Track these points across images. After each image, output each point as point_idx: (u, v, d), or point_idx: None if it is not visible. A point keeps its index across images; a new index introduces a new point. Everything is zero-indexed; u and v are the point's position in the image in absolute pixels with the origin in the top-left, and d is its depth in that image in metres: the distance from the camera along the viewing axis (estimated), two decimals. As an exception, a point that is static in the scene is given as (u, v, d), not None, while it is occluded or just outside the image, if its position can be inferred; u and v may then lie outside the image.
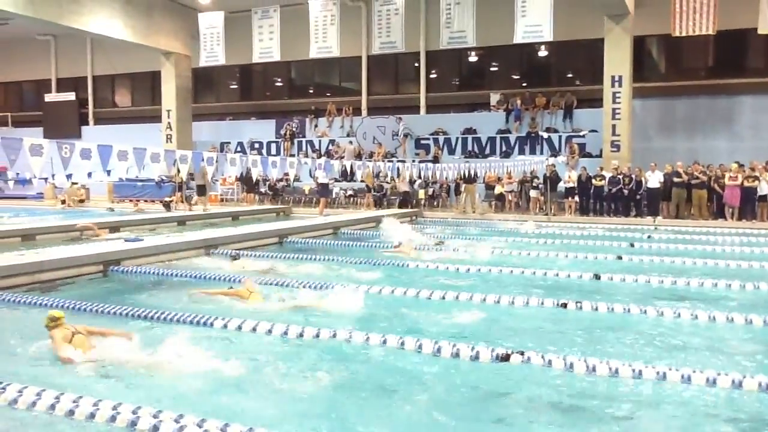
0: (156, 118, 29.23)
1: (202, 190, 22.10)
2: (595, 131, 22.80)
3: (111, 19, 24.49)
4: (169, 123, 28.40)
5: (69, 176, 10.97)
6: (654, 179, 18.91)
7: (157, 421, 4.08)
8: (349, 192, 24.09)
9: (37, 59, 34.23)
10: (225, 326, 6.50)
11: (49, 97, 33.95)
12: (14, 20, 25.97)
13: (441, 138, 25.82)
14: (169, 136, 28.31)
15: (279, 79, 31.13)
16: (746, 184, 17.77)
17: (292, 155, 25.73)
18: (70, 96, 33.58)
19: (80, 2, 23.15)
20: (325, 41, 24.54)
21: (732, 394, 4.84)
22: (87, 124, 33.49)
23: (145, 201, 24.66)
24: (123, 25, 25.02)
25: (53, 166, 11.24)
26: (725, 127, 22.92)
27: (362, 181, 22.14)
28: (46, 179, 17.46)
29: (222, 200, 25.80)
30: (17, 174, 18.04)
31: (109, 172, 10.57)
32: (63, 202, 24.39)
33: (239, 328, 6.43)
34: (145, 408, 4.27)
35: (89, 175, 10.96)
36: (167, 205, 22.01)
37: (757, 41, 21.68)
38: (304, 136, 28.45)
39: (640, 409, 4.66)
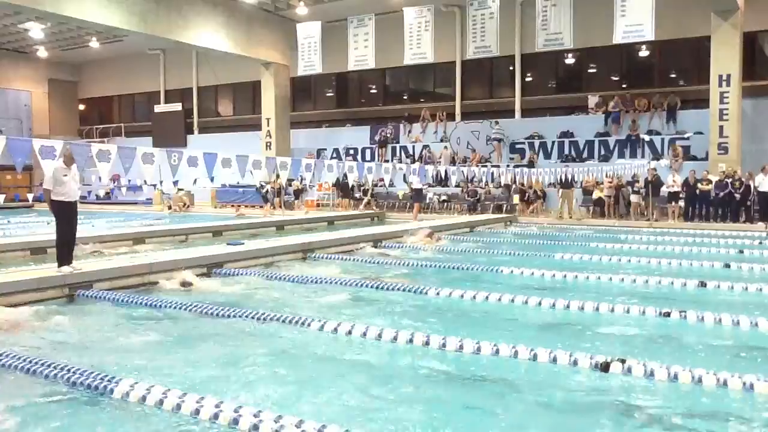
0: (256, 126, 30.28)
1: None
2: (701, 133, 21.75)
3: (215, 32, 25.60)
4: (268, 131, 29.34)
5: (175, 182, 11.55)
6: (766, 183, 17.85)
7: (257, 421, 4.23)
8: (443, 197, 24.07)
9: (147, 73, 36.35)
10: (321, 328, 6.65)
11: (158, 108, 35.85)
12: (128, 37, 27.70)
13: (537, 142, 25.37)
14: (268, 144, 29.24)
15: (374, 86, 31.51)
16: None
17: (387, 161, 25.97)
18: (177, 106, 35.31)
19: (187, 18, 24.36)
20: (419, 47, 24.66)
21: None
22: (192, 132, 35.08)
23: (246, 206, 25.55)
24: (225, 37, 26.09)
25: (161, 173, 11.88)
26: None
27: (458, 186, 22.04)
28: (154, 186, 18.46)
29: (318, 205, 26.38)
30: (129, 181, 19.15)
31: (213, 179, 11.07)
32: (169, 207, 25.66)
33: (335, 330, 6.57)
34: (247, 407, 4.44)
35: (195, 181, 11.53)
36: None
37: None
38: (398, 142, 28.67)
39: (748, 421, 4.42)
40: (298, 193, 25.95)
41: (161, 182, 14.35)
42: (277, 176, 13.50)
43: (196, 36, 24.94)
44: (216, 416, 4.35)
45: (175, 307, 7.68)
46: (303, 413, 4.34)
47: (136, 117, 38.20)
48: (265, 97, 29.53)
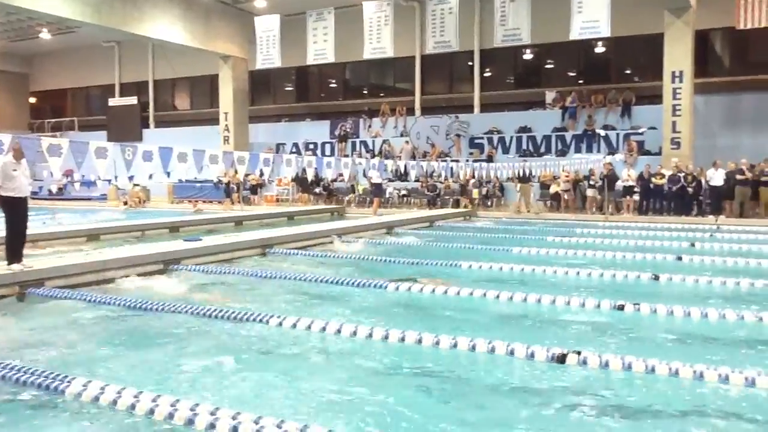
0: (214, 120, 29.90)
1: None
2: (655, 128, 22.23)
3: (171, 25, 25.16)
4: (226, 125, 29.00)
5: (131, 178, 11.33)
6: (717, 177, 18.32)
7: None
8: (403, 192, 24.12)
9: (102, 65, 35.55)
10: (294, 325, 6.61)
11: (112, 102, 35.11)
12: (81, 28, 27.02)
13: (495, 137, 25.60)
14: (226, 138, 28.89)
15: (333, 81, 31.39)
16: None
17: (346, 155, 25.92)
18: (133, 100, 34.64)
19: (142, 9, 23.89)
20: (379, 42, 24.60)
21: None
22: (148, 127, 34.47)
23: (204, 202, 25.22)
24: (182, 30, 25.67)
25: (116, 169, 11.64)
26: (794, 123, 22.00)
27: (417, 180, 22.11)
28: (109, 181, 18.08)
29: (277, 200, 26.19)
30: (83, 176, 18.74)
31: (169, 174, 10.88)
32: (125, 203, 25.18)
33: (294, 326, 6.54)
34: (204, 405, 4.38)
35: (150, 176, 11.31)
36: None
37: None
38: (358, 137, 28.63)
39: (701, 411, 4.54)
40: (256, 188, 25.74)
41: (116, 177, 14.06)
42: (235, 171, 13.33)
43: (152, 28, 24.47)
44: (171, 416, 4.28)
45: (129, 305, 7.53)
46: (260, 410, 4.30)
47: (91, 110, 37.34)
48: (223, 90, 29.19)
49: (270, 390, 4.98)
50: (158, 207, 24.91)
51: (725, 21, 20.57)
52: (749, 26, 19.54)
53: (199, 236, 12.80)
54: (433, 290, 8.20)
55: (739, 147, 21.16)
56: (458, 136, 25.76)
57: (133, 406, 4.43)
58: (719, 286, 8.73)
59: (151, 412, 4.34)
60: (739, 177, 17.97)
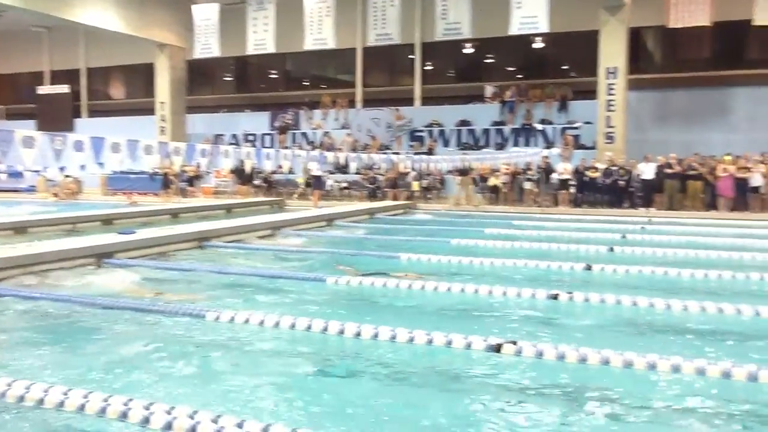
0: (150, 110, 29.16)
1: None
2: (590, 123, 22.81)
3: (104, 10, 24.39)
4: (163, 115, 28.32)
5: (62, 169, 10.94)
6: (648, 171, 18.94)
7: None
8: (344, 184, 24.07)
9: (30, 51, 34.14)
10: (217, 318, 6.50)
11: (42, 90, 33.81)
12: (7, 12, 25.89)
13: (436, 130, 25.81)
14: (163, 129, 28.23)
15: (274, 71, 31.06)
16: (739, 175, 17.83)
17: (287, 147, 25.69)
18: (64, 88, 33.44)
19: (73, -7, 23.07)
20: (320, 33, 24.43)
21: (722, 382, 4.86)
22: (80, 116, 33.35)
23: (139, 193, 24.59)
24: (116, 16, 24.91)
25: (45, 159, 11.21)
26: (721, 119, 22.96)
27: (358, 173, 22.10)
28: (38, 172, 17.43)
29: (215, 192, 25.76)
30: (8, 166, 17.99)
31: (101, 164, 10.56)
32: (55, 195, 24.32)
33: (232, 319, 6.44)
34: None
35: (82, 167, 10.95)
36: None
37: (754, 33, 21.68)
38: (298, 129, 28.41)
39: (630, 398, 4.68)
40: (194, 180, 25.23)
41: (45, 168, 13.55)
42: (171, 162, 13.04)
43: (83, 14, 23.66)
44: (104, 410, 4.15)
45: (59, 300, 7.28)
46: (196, 405, 4.21)
47: (18, 98, 35.82)
48: (159, 80, 28.50)
49: (204, 384, 4.89)
50: (91, 199, 24.16)
51: (657, 20, 21.24)
52: (679, 25, 20.23)
53: (134, 229, 12.46)
54: (372, 283, 8.21)
55: (669, 142, 21.96)
56: (399, 136, 25.87)
57: (62, 404, 4.28)
58: (649, 275, 9.02)
59: (82, 407, 4.20)
60: (668, 171, 18.62)
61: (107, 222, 15.27)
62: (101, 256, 9.82)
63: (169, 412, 4.04)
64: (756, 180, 17.78)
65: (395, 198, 22.23)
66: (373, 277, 8.41)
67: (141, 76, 32.06)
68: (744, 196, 17.92)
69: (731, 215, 17.33)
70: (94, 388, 4.49)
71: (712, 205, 18.38)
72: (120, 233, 11.61)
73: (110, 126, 27.41)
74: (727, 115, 22.99)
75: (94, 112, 33.46)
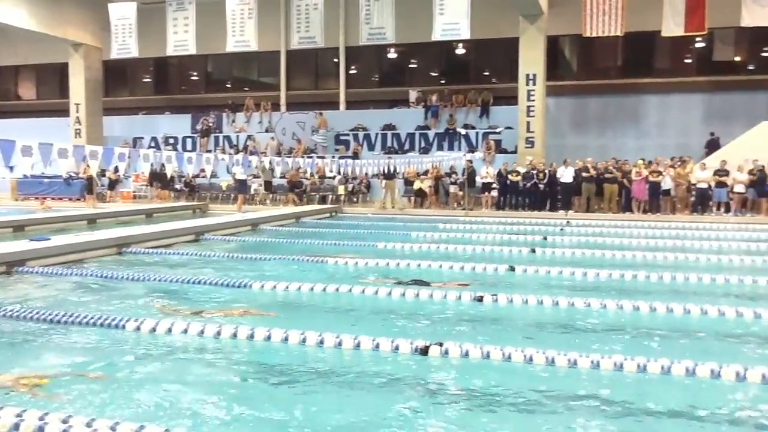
0: (64, 112, 27.97)
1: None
2: (511, 128, 23.37)
3: (14, 7, 23.30)
4: (77, 117, 27.25)
5: (-33, 172, 10.36)
6: (567, 174, 19.55)
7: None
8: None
9: (-69, 48, 32.16)
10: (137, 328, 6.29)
11: (-56, 89, 31.98)
12: None
13: (361, 134, 25.85)
14: (78, 131, 27.16)
15: (195, 73, 30.41)
16: (651, 179, 18.65)
17: (209, 151, 25.18)
18: (-31, 88, 31.72)
19: (-21, -12, 21.93)
20: (242, 35, 24.08)
21: (641, 377, 5.07)
22: (-13, 117, 31.71)
23: (53, 198, 23.56)
24: (27, 13, 23.83)
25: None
26: (633, 125, 24.02)
27: (283, 177, 21.87)
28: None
29: (134, 197, 24.96)
30: None
31: (11, 168, 10.05)
32: (-38, 200, 23.01)
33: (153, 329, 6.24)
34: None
35: (-10, 171, 10.40)
36: None
37: (662, 43, 22.81)
38: (221, 132, 27.91)
39: (553, 395, 4.80)
40: (113, 184, 24.37)
41: (-51, 172, 12.81)
42: (87, 166, 12.55)
43: (-10, 10, 22.53)
44: (17, 426, 3.95)
45: (-35, 311, 6.87)
46: (116, 417, 4.06)
47: None
48: (73, 80, 27.41)
49: (124, 395, 4.71)
50: (1, 204, 22.97)
51: (574, 29, 21.97)
52: (594, 34, 20.99)
53: (47, 236, 11.92)
54: (299, 287, 8.14)
55: (586, 146, 22.80)
56: (324, 147, 25.73)
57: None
58: (568, 276, 9.30)
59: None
60: (585, 174, 19.28)
61: (18, 229, 14.56)
62: (12, 264, 9.36)
63: (89, 425, 3.89)
64: (666, 183, 18.65)
65: (322, 202, 22.13)
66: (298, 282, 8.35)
67: (54, 76, 30.79)
68: (656, 199, 18.76)
69: (645, 217, 18.11)
70: (4, 403, 4.27)
71: (627, 207, 19.15)
72: (32, 240, 11.10)
73: (20, 127, 26.10)
74: (639, 121, 24.05)
75: (2, 113, 31.83)
